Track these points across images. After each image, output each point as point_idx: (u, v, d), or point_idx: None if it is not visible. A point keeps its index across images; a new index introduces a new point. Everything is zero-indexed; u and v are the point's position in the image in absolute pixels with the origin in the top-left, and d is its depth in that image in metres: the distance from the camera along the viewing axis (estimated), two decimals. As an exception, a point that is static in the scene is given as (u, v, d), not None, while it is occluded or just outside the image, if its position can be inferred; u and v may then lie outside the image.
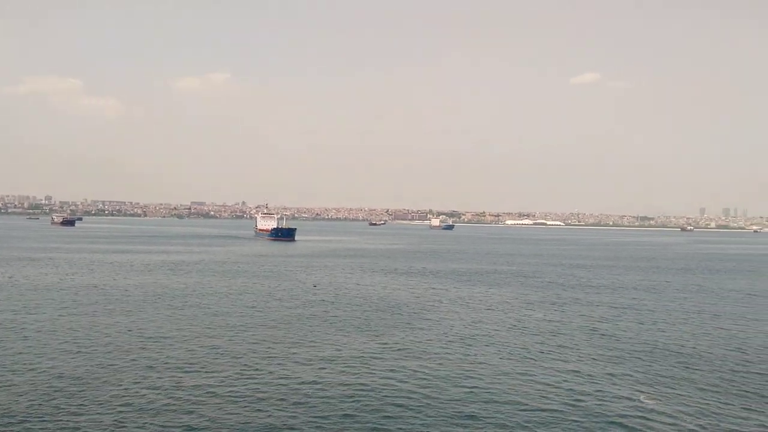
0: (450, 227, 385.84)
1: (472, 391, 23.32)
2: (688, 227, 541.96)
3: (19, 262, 75.08)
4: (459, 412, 21.02)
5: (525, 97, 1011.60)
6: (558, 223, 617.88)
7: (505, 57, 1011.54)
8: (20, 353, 27.61)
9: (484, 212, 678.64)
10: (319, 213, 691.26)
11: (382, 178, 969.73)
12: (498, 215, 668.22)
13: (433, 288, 56.73)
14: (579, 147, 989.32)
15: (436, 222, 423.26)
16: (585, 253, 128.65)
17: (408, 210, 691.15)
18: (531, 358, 28.90)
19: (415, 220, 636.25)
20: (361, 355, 28.85)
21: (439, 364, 27.46)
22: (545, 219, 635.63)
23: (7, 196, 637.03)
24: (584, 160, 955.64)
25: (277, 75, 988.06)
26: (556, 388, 23.97)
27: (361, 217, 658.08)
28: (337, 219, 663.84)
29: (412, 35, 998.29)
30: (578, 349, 30.99)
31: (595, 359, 28.95)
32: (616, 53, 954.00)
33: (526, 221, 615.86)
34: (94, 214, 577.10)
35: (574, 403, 22.14)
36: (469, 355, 29.46)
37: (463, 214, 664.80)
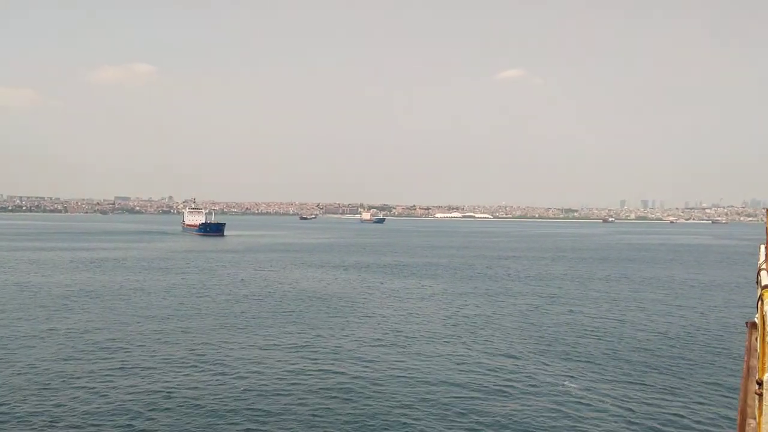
0: (381, 221, 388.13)
1: (407, 380, 23.61)
2: (610, 219, 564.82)
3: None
4: (394, 400, 21.25)
5: (455, 93, 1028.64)
6: (486, 215, 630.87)
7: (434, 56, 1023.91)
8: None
9: (414, 206, 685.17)
10: (248, 208, 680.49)
11: (313, 171, 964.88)
12: (428, 208, 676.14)
13: (366, 281, 56.99)
14: (507, 140, 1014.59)
15: (367, 216, 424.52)
16: (512, 244, 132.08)
17: (339, 204, 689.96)
18: (464, 347, 29.49)
19: (347, 213, 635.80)
20: (296, 349, 28.70)
21: (375, 356, 27.66)
22: (474, 212, 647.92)
23: None
24: (512, 153, 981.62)
25: (203, 67, 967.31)
26: (488, 374, 24.59)
27: (291, 212, 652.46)
28: (268, 213, 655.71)
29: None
30: (509, 337, 31.88)
31: (525, 346, 29.83)
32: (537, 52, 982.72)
33: (456, 214, 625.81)
34: (11, 210, 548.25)
35: (504, 388, 22.77)
36: (403, 346, 29.81)
37: (394, 208, 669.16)
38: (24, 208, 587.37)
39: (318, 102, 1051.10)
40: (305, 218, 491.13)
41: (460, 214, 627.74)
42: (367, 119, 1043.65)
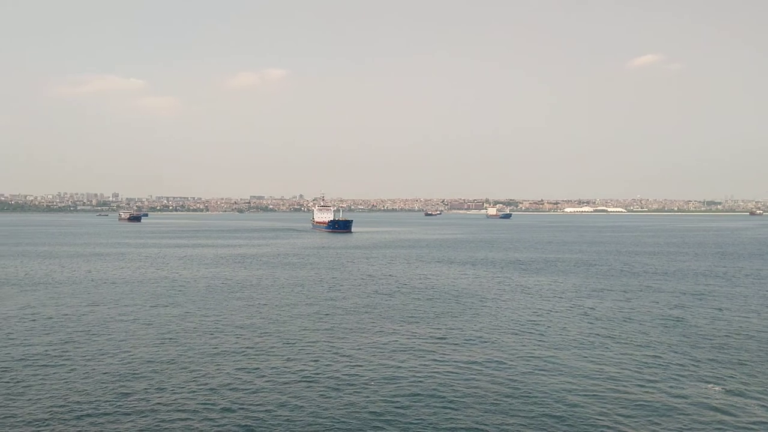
0: (507, 216, 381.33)
1: (543, 382, 22.88)
2: (758, 211, 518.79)
3: (94, 257, 78.14)
4: (530, 401, 20.65)
5: (572, 89, 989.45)
6: (620, 209, 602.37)
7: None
8: (108, 340, 28.63)
9: (542, 200, 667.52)
10: (374, 204, 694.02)
11: (437, 168, 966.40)
12: (557, 203, 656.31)
13: (496, 277, 56.08)
14: (639, 130, 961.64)
15: (493, 211, 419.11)
16: (650, 239, 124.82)
17: (464, 199, 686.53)
18: (603, 347, 28.15)
19: (472, 209, 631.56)
20: (427, 344, 28.71)
21: (509, 354, 27.07)
22: (606, 206, 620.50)
23: (77, 194, 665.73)
24: (644, 143, 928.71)
25: (334, 73, 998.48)
26: (628, 377, 23.27)
27: (416, 208, 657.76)
28: (393, 210, 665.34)
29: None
30: (650, 337, 30.04)
31: (668, 347, 27.97)
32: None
33: (586, 208, 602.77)
34: (159, 210, 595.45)
35: (648, 392, 21.44)
36: (539, 344, 28.93)
37: (520, 203, 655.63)
38: (170, 207, 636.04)
39: (442, 97, 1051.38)
40: (430, 214, 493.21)
41: (591, 209, 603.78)
42: (494, 112, 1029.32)
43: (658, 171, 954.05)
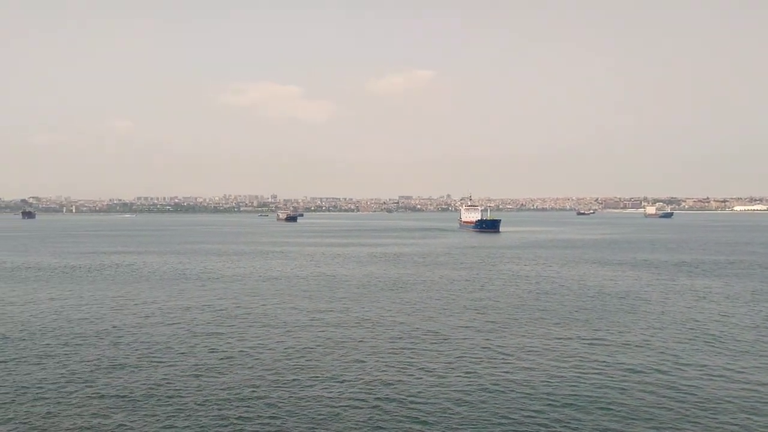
0: (668, 215, 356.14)
1: (721, 392, 20.83)
2: None
3: (258, 255, 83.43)
4: (708, 410, 18.85)
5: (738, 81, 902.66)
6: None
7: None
8: (265, 329, 30.31)
9: (708, 198, 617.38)
10: (523, 204, 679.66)
11: (590, 165, 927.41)
12: (724, 201, 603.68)
13: (659, 279, 52.39)
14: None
15: (651, 210, 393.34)
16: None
17: (620, 198, 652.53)
18: (789, 359, 25.16)
19: (628, 208, 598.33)
20: (587, 347, 27.30)
21: (679, 360, 25.02)
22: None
23: (240, 195, 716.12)
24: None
25: (482, 72, 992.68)
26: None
27: (568, 207, 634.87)
28: (543, 209, 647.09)
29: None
30: None
31: None
32: None
33: (759, 207, 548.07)
34: (313, 210, 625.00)
35: None
36: (713, 351, 26.47)
37: (683, 201, 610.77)
38: (323, 208, 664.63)
39: (597, 90, 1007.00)
40: (583, 213, 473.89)
41: (765, 207, 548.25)
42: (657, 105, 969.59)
43: None
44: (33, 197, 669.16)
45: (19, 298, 42.03)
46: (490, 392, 21.09)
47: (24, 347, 27.58)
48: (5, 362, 24.91)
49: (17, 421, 18.45)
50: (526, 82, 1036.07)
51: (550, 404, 19.85)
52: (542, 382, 22.14)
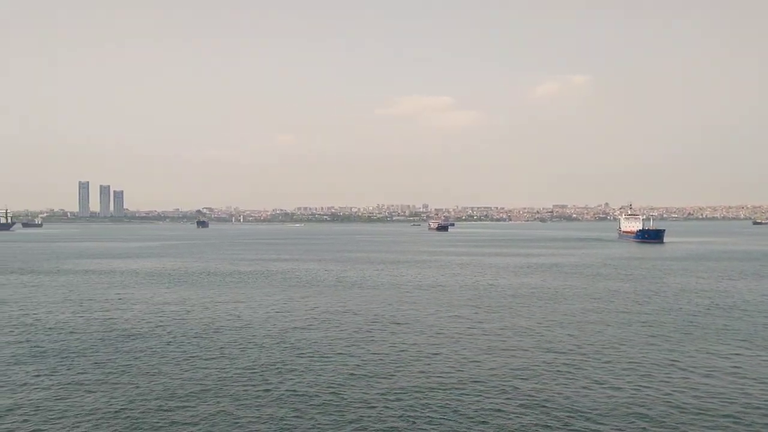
0: None
1: None
2: None
3: (414, 264, 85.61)
4: None
5: None
6: None
7: None
8: (425, 336, 31.43)
9: None
10: (690, 213, 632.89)
11: (763, 168, 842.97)
12: None
13: None
14: None
15: None
16: None
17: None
18: None
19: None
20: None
21: None
22: None
23: (392, 205, 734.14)
24: None
25: (641, 75, 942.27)
26: None
27: (742, 216, 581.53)
28: (713, 218, 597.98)
29: None
30: None
31: None
32: None
33: None
34: (464, 220, 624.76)
35: None
36: None
37: None
38: (475, 217, 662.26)
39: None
40: (760, 223, 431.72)
41: None
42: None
43: None
44: (206, 208, 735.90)
45: (200, 302, 46.55)
46: (680, 410, 20.41)
47: (204, 346, 30.76)
48: (191, 359, 27.97)
49: (210, 413, 20.76)
50: (690, 82, 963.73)
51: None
52: (739, 406, 20.99)
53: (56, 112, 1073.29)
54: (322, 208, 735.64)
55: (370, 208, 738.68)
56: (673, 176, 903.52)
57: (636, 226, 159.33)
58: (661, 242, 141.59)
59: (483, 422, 19.35)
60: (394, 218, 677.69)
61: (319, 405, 21.07)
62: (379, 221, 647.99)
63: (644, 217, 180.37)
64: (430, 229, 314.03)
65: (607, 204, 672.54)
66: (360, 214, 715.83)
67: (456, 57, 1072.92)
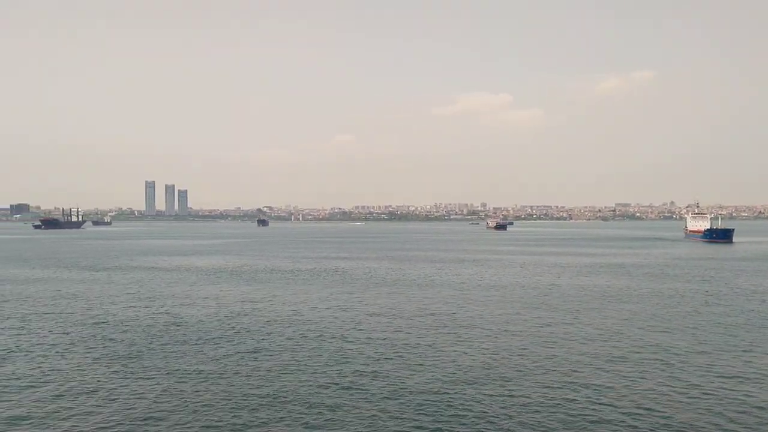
0: None
1: None
2: None
3: (472, 263, 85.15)
4: None
5: None
6: None
7: None
8: (489, 336, 31.32)
9: None
10: (761, 211, 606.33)
11: None
12: None
13: None
14: None
15: None
16: None
17: None
18: None
19: None
20: None
21: None
22: None
23: (450, 204, 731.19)
24: None
25: (706, 70, 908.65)
26: None
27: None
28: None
29: None
30: None
31: None
32: None
33: None
34: (523, 218, 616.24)
35: None
36: None
37: None
38: (534, 216, 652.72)
39: None
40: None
41: None
42: None
43: None
44: (266, 207, 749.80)
45: (263, 298, 47.58)
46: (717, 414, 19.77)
47: (264, 339, 31.55)
48: (255, 352, 28.67)
49: (285, 400, 21.26)
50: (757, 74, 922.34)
51: None
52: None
53: (126, 118, 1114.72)
54: (379, 207, 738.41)
55: (428, 206, 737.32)
56: (742, 172, 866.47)
57: (703, 225, 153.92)
58: (730, 242, 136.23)
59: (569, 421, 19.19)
60: (451, 217, 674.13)
61: (376, 397, 21.29)
62: (436, 220, 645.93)
63: (712, 215, 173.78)
64: (488, 227, 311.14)
65: (672, 202, 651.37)
66: (417, 212, 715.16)
67: (516, 56, 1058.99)
